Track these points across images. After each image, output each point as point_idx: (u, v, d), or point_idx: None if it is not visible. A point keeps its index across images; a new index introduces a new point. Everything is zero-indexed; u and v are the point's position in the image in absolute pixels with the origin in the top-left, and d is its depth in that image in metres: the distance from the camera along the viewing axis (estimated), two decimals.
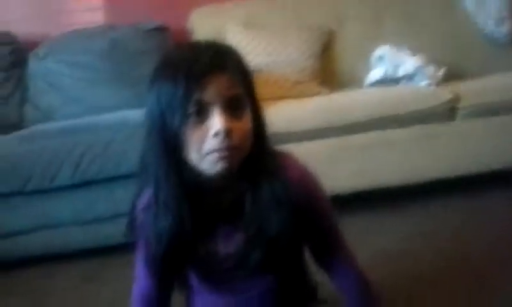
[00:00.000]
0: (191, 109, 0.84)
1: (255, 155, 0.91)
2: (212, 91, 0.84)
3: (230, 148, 0.85)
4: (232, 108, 0.86)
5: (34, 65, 2.48)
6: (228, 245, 0.96)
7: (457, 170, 2.11)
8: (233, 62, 0.89)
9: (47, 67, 2.46)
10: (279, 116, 2.02)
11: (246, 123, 0.88)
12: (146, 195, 0.96)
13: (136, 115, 2.09)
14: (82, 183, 1.90)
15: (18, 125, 2.37)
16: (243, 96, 0.88)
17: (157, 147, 0.89)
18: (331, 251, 1.03)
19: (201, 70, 0.84)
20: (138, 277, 1.05)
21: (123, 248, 1.84)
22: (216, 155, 0.85)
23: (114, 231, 1.91)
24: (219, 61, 0.86)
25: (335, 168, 2.05)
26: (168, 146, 0.87)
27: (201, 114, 0.85)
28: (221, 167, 0.87)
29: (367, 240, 1.74)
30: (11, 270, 1.91)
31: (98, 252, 1.93)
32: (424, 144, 2.12)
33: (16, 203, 1.91)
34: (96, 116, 2.15)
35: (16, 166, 1.89)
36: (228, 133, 0.84)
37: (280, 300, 1.04)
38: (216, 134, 0.84)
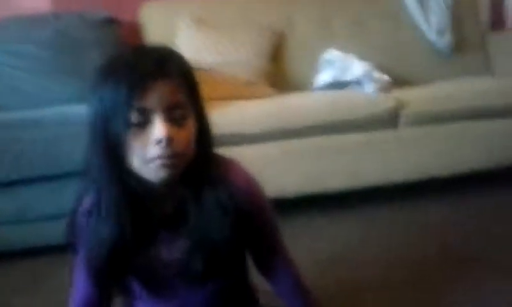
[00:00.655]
0: (133, 116, 0.83)
1: (198, 161, 0.91)
2: (154, 98, 0.83)
3: (172, 155, 0.85)
4: (174, 115, 0.85)
5: None
6: (171, 252, 0.96)
7: (399, 177, 2.19)
8: (177, 68, 0.88)
9: None
10: (228, 117, 2.03)
11: (188, 130, 0.87)
12: (88, 199, 0.94)
13: (81, 111, 2.03)
14: (22, 181, 1.82)
15: None
16: (186, 103, 0.87)
17: (100, 152, 0.88)
18: (271, 256, 1.05)
19: (143, 77, 0.83)
20: (77, 283, 1.02)
21: (66, 249, 1.82)
22: (158, 162, 0.84)
23: (57, 231, 1.87)
24: (161, 67, 0.85)
25: (282, 171, 2.08)
26: (111, 152, 0.86)
27: (143, 121, 0.84)
28: (164, 174, 0.86)
29: (308, 245, 1.77)
30: None
31: (42, 252, 1.86)
32: (368, 150, 2.18)
33: None
34: (40, 110, 2.05)
35: None
36: (169, 141, 0.83)
37: (222, 303, 1.04)
38: (158, 142, 0.83)
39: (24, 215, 1.86)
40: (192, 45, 2.45)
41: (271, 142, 2.07)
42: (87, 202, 0.94)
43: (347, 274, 1.56)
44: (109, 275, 0.96)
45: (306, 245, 1.77)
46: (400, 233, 1.90)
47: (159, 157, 0.84)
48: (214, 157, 0.96)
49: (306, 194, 2.11)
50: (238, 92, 2.34)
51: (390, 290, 1.44)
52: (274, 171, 2.05)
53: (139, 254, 0.94)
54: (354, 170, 2.16)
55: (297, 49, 2.64)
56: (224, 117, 1.97)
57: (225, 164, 0.97)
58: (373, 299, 1.41)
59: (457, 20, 2.77)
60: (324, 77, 2.51)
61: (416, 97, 2.27)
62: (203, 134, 0.92)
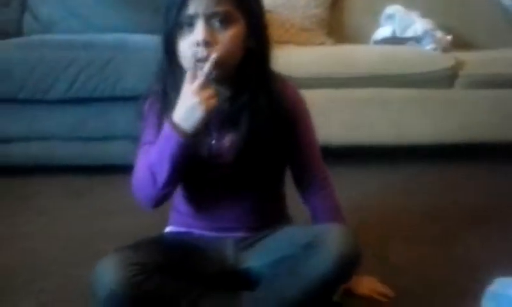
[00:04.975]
0: (181, 20, 0.95)
1: (255, 69, 1.00)
2: (200, 5, 0.94)
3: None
4: (219, 22, 0.95)
5: None
6: (219, 140, 1.04)
7: (448, 137, 2.13)
8: None
9: None
10: (280, 60, 2.00)
11: (231, 36, 0.96)
12: (155, 87, 1.05)
13: (138, 39, 2.09)
14: (75, 100, 1.89)
15: (15, 34, 2.32)
16: (232, 12, 0.96)
17: (162, 56, 1.01)
18: (311, 174, 1.12)
19: None
20: (139, 165, 1.03)
21: (112, 169, 1.90)
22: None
23: (105, 152, 1.96)
24: None
25: (329, 119, 2.06)
26: (169, 52, 0.99)
27: (190, 23, 0.95)
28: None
29: (346, 193, 1.75)
30: None
31: (87, 170, 1.96)
32: (419, 107, 2.13)
33: (8, 109, 1.91)
34: (97, 35, 2.11)
35: (10, 72, 1.87)
36: (207, 43, 0.93)
37: (258, 213, 1.10)
38: (197, 44, 0.94)
39: (72, 133, 1.95)
40: None
41: (321, 89, 2.05)
42: (153, 90, 1.06)
43: (378, 222, 1.58)
44: None
45: (344, 193, 1.77)
46: (436, 191, 1.88)
47: (199, 59, 0.94)
48: (269, 68, 1.04)
49: (351, 145, 2.10)
50: (292, 37, 2.32)
51: (418, 241, 1.46)
52: (321, 118, 2.02)
53: (196, 140, 1.00)
54: (401, 125, 2.12)
55: (359, 1, 2.57)
56: (275, 59, 1.95)
57: (281, 79, 1.07)
58: (400, 246, 1.42)
59: None
60: (383, 31, 2.44)
61: (477, 59, 2.18)
62: (259, 45, 1.01)
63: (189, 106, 0.93)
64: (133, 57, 1.89)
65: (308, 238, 0.97)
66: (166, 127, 0.95)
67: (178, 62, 0.99)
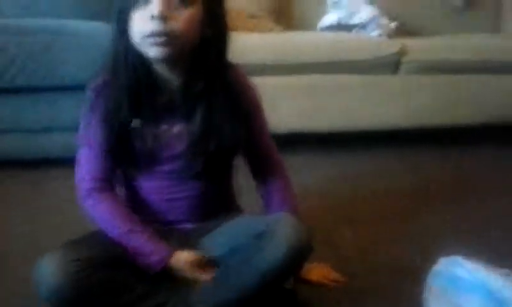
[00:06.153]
0: None
1: (212, 59, 0.98)
2: None
3: (166, 33, 0.91)
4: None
5: None
6: (170, 129, 1.01)
7: (393, 122, 2.18)
8: None
9: None
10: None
11: (189, 16, 0.93)
12: (101, 78, 1.01)
13: (79, 24, 1.98)
14: (11, 89, 1.78)
15: None
16: None
17: (114, 32, 0.97)
18: (267, 161, 1.13)
19: None
20: (85, 161, 1.03)
21: (54, 162, 1.81)
22: (152, 40, 0.92)
23: (46, 144, 1.86)
24: None
25: (277, 106, 2.04)
26: (121, 29, 0.95)
27: (147, 0, 0.91)
28: (159, 52, 0.93)
29: (296, 179, 1.77)
30: None
31: (28, 164, 1.86)
32: (365, 93, 2.16)
33: None
34: (34, 19, 1.98)
35: None
36: (163, 17, 0.90)
37: (206, 204, 1.08)
38: (153, 17, 0.90)
39: (14, 124, 1.84)
40: None
41: (268, 76, 2.03)
42: (100, 80, 1.01)
43: (328, 207, 1.59)
44: (117, 149, 1.00)
45: (294, 180, 1.77)
46: (385, 175, 1.92)
47: (152, 34, 0.91)
48: (227, 60, 1.02)
49: (300, 132, 2.10)
50: (240, 25, 2.28)
51: (368, 226, 1.48)
52: (269, 105, 2.02)
53: (144, 131, 0.99)
54: (348, 112, 2.15)
55: None
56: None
57: (233, 67, 1.05)
58: (350, 231, 1.44)
59: None
60: (330, 18, 2.45)
61: (420, 46, 2.24)
62: (217, 32, 0.98)
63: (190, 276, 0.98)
64: (73, 42, 1.80)
65: (260, 228, 0.96)
66: (157, 252, 0.97)
67: (129, 45, 0.95)
